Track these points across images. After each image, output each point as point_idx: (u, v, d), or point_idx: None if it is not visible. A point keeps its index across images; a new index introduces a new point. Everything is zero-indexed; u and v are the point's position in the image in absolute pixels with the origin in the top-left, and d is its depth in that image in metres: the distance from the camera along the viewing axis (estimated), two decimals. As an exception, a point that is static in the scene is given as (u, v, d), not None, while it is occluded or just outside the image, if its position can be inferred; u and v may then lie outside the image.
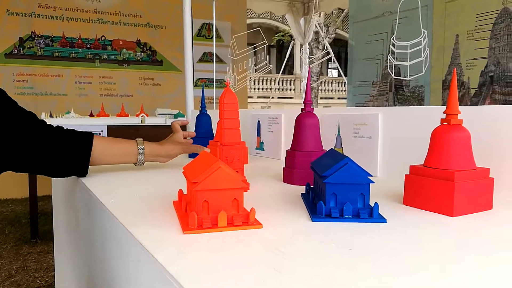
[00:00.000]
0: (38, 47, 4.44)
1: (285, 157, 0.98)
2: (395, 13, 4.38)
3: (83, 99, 4.62)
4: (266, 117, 1.49)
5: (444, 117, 0.68)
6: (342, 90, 18.86)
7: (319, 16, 11.74)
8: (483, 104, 3.49)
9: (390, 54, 3.09)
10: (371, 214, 0.63)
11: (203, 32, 5.32)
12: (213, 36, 5.23)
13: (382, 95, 4.61)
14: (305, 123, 0.93)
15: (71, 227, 1.29)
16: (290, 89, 18.30)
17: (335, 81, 19.56)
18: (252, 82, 17.78)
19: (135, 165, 1.10)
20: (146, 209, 0.73)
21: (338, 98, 18.80)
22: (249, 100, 17.37)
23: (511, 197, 0.77)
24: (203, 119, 1.49)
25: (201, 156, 0.70)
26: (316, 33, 12.48)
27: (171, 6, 4.97)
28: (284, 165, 0.99)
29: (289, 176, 0.96)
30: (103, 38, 4.74)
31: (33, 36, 4.41)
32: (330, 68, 23.07)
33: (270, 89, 17.38)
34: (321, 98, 18.00)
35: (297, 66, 18.06)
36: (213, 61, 5.37)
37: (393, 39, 3.16)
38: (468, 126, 0.69)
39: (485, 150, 0.78)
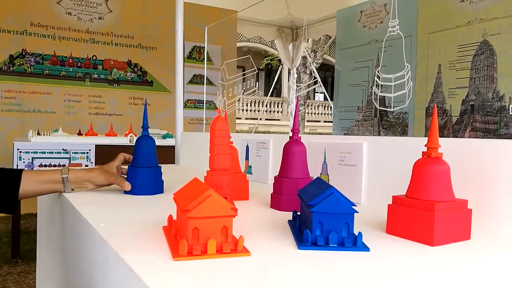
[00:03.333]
0: (28, 65, 4.44)
1: (273, 183, 1.00)
2: (380, 42, 4.53)
3: (71, 117, 4.60)
4: (254, 141, 1.52)
5: (426, 150, 0.72)
6: (328, 114, 19.13)
7: (307, 42, 12.01)
8: (465, 131, 3.59)
9: (375, 86, 3.18)
10: (355, 243, 0.65)
11: (193, 55, 5.39)
12: (204, 59, 5.30)
13: (367, 121, 4.70)
14: (292, 151, 0.96)
15: (55, 248, 1.29)
16: (278, 112, 18.49)
17: (322, 105, 19.84)
18: (241, 104, 17.95)
19: (64, 192, 1.11)
20: (136, 234, 0.74)
21: (325, 122, 19.03)
22: (237, 121, 17.48)
23: (489, 227, 0.81)
24: (143, 143, 1.20)
25: (193, 182, 0.72)
26: (304, 58, 12.73)
27: (163, 28, 5.04)
28: (272, 191, 1.01)
29: (276, 202, 0.98)
30: (94, 57, 4.77)
31: (23, 53, 4.41)
32: (317, 92, 23.41)
33: (258, 111, 17.52)
34: (308, 121, 18.22)
35: (285, 89, 18.32)
36: (203, 83, 5.43)
37: (378, 71, 3.25)
38: (448, 158, 0.73)
39: (464, 181, 0.82)
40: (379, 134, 4.54)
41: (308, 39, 11.87)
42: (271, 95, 19.06)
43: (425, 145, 0.72)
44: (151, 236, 0.73)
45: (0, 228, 3.82)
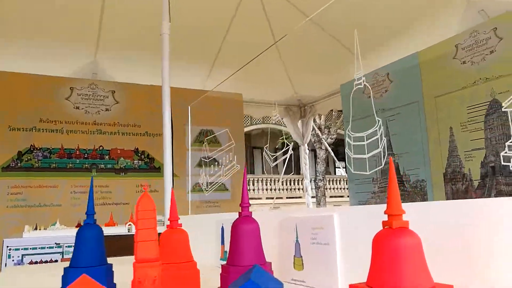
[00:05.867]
0: (36, 160, 4.48)
1: (220, 273, 0.80)
2: (388, 110, 4.43)
3: (77, 209, 4.51)
4: (229, 222, 1.33)
5: (386, 219, 0.53)
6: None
7: (320, 119, 12.14)
8: (489, 195, 3.28)
9: (347, 147, 3.02)
10: None
11: (200, 138, 5.39)
12: (208, 142, 5.29)
13: (383, 192, 4.43)
14: (241, 231, 0.78)
15: None
16: (299, 189, 18.15)
17: (343, 179, 19.45)
18: (260, 183, 17.78)
19: None
20: None
21: (347, 196, 18.49)
22: (257, 201, 17.19)
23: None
24: (86, 234, 0.88)
25: (79, 283, 0.54)
26: (318, 134, 12.78)
27: (174, 114, 5.11)
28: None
29: (225, 299, 0.77)
30: (101, 148, 4.81)
31: (32, 149, 4.48)
32: (338, 167, 23.15)
33: (274, 189, 17.28)
34: (330, 196, 17.76)
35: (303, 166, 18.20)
36: (211, 166, 5.36)
37: (348, 130, 3.10)
38: (419, 229, 0.53)
39: (445, 258, 0.61)
40: (398, 206, 4.24)
41: (320, 116, 12.01)
42: (290, 173, 18.93)
43: (385, 212, 0.53)
44: None
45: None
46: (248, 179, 17.98)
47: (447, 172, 3.71)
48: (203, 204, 5.24)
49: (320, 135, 11.26)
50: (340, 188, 19.25)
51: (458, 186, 3.61)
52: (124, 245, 2.55)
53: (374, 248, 0.52)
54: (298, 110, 6.63)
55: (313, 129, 12.46)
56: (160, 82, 4.78)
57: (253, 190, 17.45)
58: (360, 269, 0.79)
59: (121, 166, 4.89)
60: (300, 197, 17.66)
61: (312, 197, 14.63)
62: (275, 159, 3.86)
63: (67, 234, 3.06)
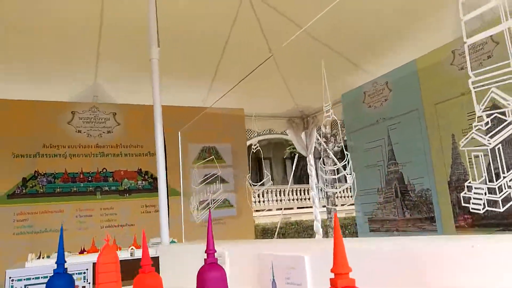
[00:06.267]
0: (40, 185, 4.52)
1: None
2: (388, 119, 4.39)
3: (83, 233, 4.52)
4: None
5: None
6: (362, 196, 18.47)
7: (325, 128, 12.09)
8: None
9: (320, 182, 2.99)
10: None
11: (202, 155, 5.40)
12: (211, 158, 5.29)
13: (389, 202, 4.36)
14: (207, 278, 0.76)
15: None
16: (309, 199, 18.03)
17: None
18: (270, 194, 17.71)
19: None
20: None
21: (359, 204, 18.29)
22: (269, 213, 17.10)
23: None
24: (56, 284, 0.82)
25: None
26: (325, 143, 12.72)
27: (171, 135, 5.12)
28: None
29: None
30: (104, 170, 4.83)
31: (36, 175, 4.52)
32: (349, 174, 22.97)
33: (281, 200, 17.19)
34: (341, 204, 17.61)
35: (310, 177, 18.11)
36: (215, 182, 5.36)
37: (320, 163, 3.08)
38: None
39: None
40: (404, 216, 4.18)
41: (326, 125, 11.99)
42: (299, 183, 18.81)
43: (331, 271, 0.51)
44: None
45: None
46: (257, 191, 17.93)
47: (451, 180, 3.64)
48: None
49: (323, 145, 11.21)
50: (351, 196, 19.09)
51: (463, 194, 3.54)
52: (126, 270, 2.54)
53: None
54: (301, 121, 6.61)
55: (318, 138, 12.44)
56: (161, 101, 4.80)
57: (263, 201, 17.39)
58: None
59: (125, 187, 4.91)
60: (311, 207, 17.54)
61: (323, 206, 14.54)
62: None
63: (71, 262, 3.05)
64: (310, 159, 6.69)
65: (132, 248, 3.25)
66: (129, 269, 2.90)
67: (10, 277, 2.77)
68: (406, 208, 4.12)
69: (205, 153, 5.40)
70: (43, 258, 3.20)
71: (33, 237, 4.34)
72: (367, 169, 4.72)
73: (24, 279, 2.79)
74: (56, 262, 0.91)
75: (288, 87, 5.68)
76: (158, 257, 2.80)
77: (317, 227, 6.62)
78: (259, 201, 17.31)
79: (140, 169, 5.01)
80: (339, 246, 0.51)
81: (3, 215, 4.32)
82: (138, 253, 3.25)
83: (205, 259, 0.79)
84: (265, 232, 13.57)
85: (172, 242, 3.49)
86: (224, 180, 5.34)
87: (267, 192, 17.63)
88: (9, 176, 4.41)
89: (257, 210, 16.36)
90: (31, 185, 4.49)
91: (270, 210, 17.13)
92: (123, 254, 3.30)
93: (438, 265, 0.60)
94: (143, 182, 5.00)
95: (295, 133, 6.52)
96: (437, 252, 0.64)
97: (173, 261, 1.92)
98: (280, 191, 17.73)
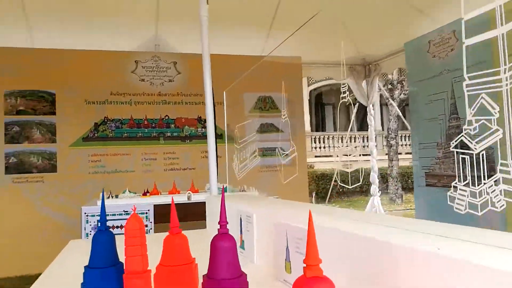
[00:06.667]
0: (110, 130, 4.93)
1: (201, 282, 0.90)
2: (453, 71, 4.11)
3: (148, 175, 4.93)
4: (245, 214, 1.42)
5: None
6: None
7: (392, 74, 11.50)
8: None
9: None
10: None
11: (259, 105, 5.48)
12: (268, 107, 5.35)
13: (447, 157, 4.21)
14: (218, 247, 0.86)
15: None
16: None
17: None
18: (331, 141, 17.63)
19: None
20: None
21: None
22: (329, 159, 17.11)
23: None
24: (100, 240, 0.95)
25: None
26: (391, 90, 12.16)
27: (229, 83, 5.24)
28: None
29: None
30: (166, 117, 5.12)
31: (105, 120, 4.93)
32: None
33: (337, 147, 16.98)
34: (406, 153, 17.09)
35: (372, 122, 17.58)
36: (270, 131, 5.47)
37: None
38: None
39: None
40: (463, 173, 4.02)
41: (392, 72, 11.36)
42: (358, 130, 18.40)
43: (304, 261, 0.57)
44: None
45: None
46: (318, 137, 17.91)
47: (516, 139, 3.40)
48: (263, 169, 5.41)
49: (385, 93, 10.72)
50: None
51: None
52: (183, 212, 2.79)
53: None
54: (362, 69, 6.38)
55: (385, 84, 11.89)
56: (220, 50, 4.87)
57: (324, 147, 17.37)
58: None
59: (186, 134, 5.19)
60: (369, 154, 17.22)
61: (386, 154, 14.22)
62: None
63: (132, 202, 3.39)
64: (370, 109, 6.51)
65: (189, 193, 3.52)
66: (186, 212, 3.16)
67: (85, 213, 3.17)
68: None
69: (261, 102, 5.47)
70: (112, 197, 3.57)
71: (105, 177, 4.83)
72: (428, 122, 4.53)
73: (96, 215, 3.18)
74: (99, 221, 1.06)
75: (350, 34, 5.44)
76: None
77: (373, 177, 6.58)
78: (319, 147, 17.33)
79: (200, 117, 5.24)
80: (311, 240, 0.57)
81: (80, 156, 4.83)
82: (195, 197, 3.51)
83: (218, 229, 0.90)
84: (323, 178, 13.70)
85: (226, 188, 3.71)
86: (278, 129, 5.42)
87: (327, 138, 17.54)
88: (83, 121, 4.85)
89: (316, 156, 16.44)
90: (102, 130, 4.91)
91: (330, 156, 17.14)
92: (181, 198, 3.59)
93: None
94: (203, 129, 5.24)
95: (356, 81, 6.32)
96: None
97: (215, 213, 2.10)
98: (341, 138, 17.53)
